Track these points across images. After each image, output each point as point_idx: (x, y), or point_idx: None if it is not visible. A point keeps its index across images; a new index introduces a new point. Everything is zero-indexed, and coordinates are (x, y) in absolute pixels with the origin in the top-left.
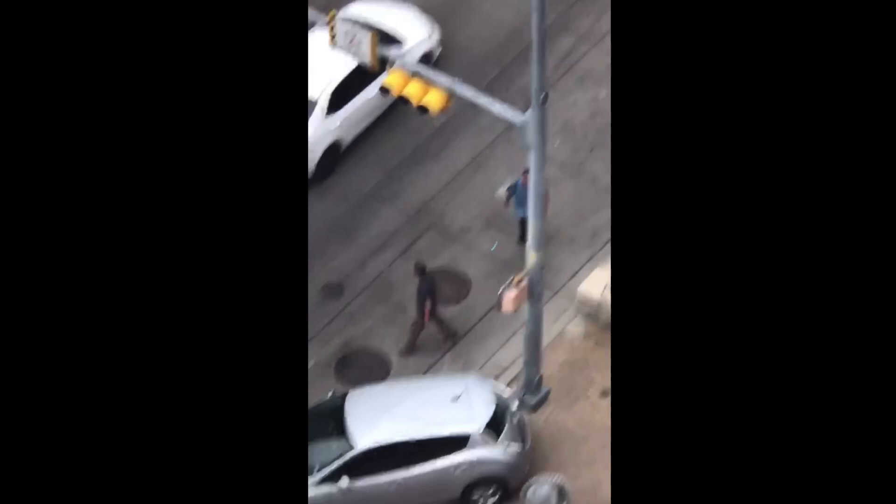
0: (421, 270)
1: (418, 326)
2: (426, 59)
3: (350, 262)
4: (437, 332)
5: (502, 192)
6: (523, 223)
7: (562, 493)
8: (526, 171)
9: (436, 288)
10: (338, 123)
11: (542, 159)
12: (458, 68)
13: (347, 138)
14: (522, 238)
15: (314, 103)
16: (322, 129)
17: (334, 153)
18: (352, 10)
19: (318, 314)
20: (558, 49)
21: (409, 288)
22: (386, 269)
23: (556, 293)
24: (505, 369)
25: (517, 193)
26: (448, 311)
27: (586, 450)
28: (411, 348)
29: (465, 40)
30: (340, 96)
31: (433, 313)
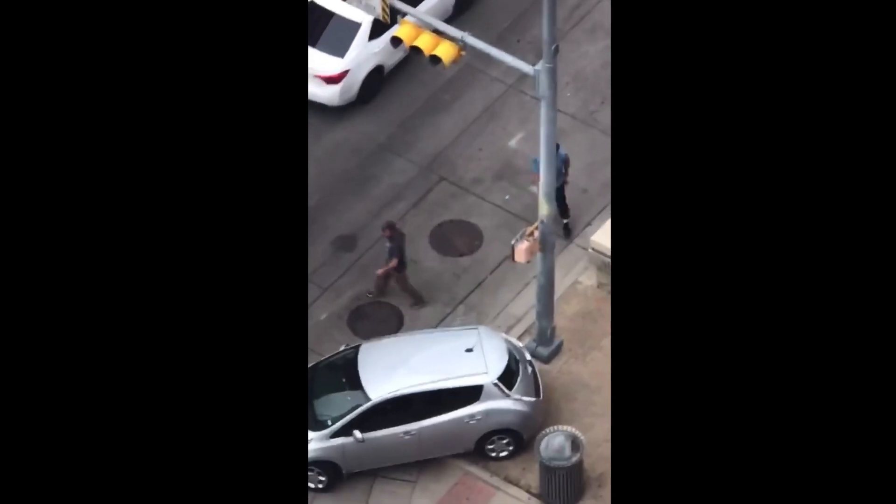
0: (391, 227)
1: (385, 278)
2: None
3: (363, 214)
4: (399, 292)
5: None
6: (560, 192)
7: (575, 443)
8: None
9: (404, 248)
10: (381, 47)
11: (554, 110)
12: (470, 20)
13: (390, 62)
14: (563, 213)
15: (358, 26)
16: (365, 53)
17: (378, 76)
18: None
19: (330, 266)
20: (569, 0)
21: (422, 240)
22: (400, 219)
23: (570, 243)
24: (518, 321)
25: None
26: (460, 263)
27: (600, 400)
28: (382, 292)
29: None
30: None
31: (398, 270)
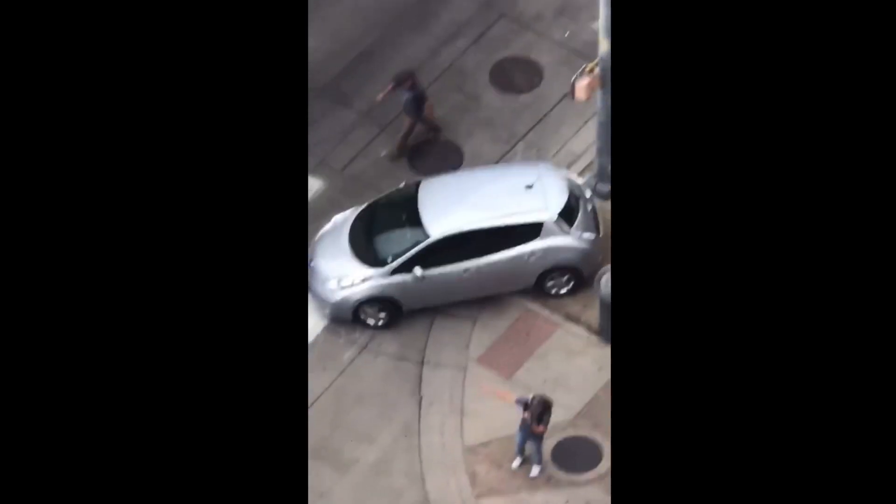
0: (411, 77)
1: (406, 135)
2: None
3: (423, 50)
4: (424, 131)
5: None
6: None
7: None
8: None
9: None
10: None
11: None
12: None
13: None
14: None
15: None
16: None
17: None
18: None
19: (390, 103)
20: None
21: (482, 77)
22: (459, 57)
23: None
24: (578, 157)
25: None
26: (521, 99)
27: None
28: (401, 156)
29: None
30: None
31: (422, 116)
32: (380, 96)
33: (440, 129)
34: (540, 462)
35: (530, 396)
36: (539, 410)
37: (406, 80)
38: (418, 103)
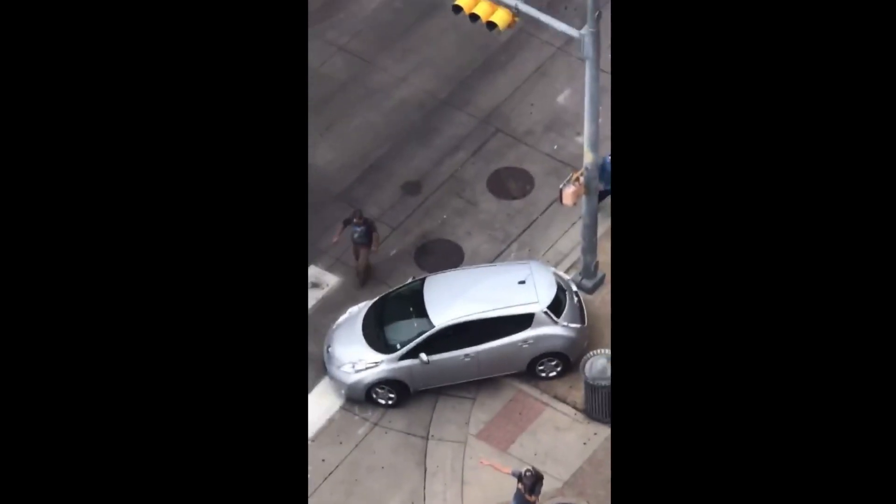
0: (359, 215)
1: (365, 261)
2: None
3: (427, 161)
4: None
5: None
6: (602, 196)
7: None
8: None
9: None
10: None
11: (597, 69)
12: None
13: None
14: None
15: None
16: None
17: None
18: None
19: (398, 208)
20: None
21: (480, 185)
22: (459, 168)
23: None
24: (565, 256)
25: (603, 167)
26: (514, 205)
27: None
28: (368, 278)
29: None
30: None
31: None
32: (335, 238)
33: (368, 273)
34: None
35: (524, 469)
36: (531, 482)
37: (354, 216)
38: (369, 235)
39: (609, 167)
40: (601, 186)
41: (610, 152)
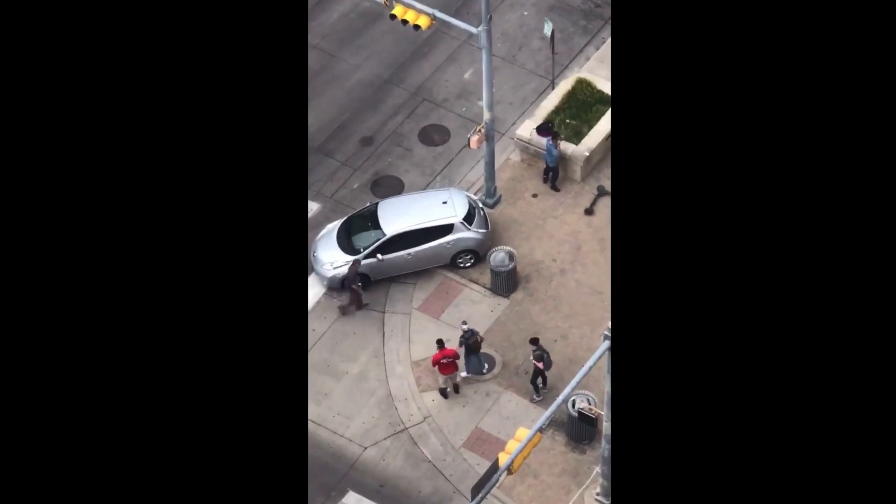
0: (355, 263)
1: (356, 298)
2: None
3: (376, 122)
4: (348, 302)
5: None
6: (547, 170)
7: (511, 256)
8: (553, 136)
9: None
10: None
11: (490, 55)
12: (431, 3)
13: None
14: (550, 183)
15: None
16: None
17: None
18: None
19: (358, 156)
20: None
21: (413, 137)
22: (399, 126)
23: (502, 135)
24: (473, 183)
25: (547, 148)
26: (437, 150)
27: (525, 230)
28: (358, 307)
29: None
30: None
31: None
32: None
33: (357, 303)
34: (466, 370)
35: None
36: (468, 338)
37: (355, 265)
38: (353, 280)
39: (552, 149)
40: (549, 164)
41: (550, 138)
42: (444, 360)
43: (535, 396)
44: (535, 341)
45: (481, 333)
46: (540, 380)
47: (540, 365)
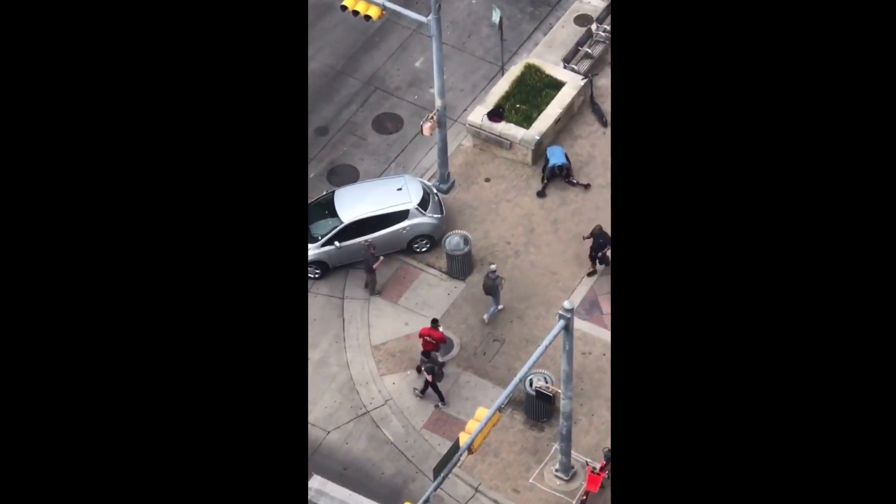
0: (372, 247)
1: (373, 273)
2: None
3: (330, 112)
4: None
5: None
6: (552, 170)
7: (466, 240)
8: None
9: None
10: None
11: (440, 42)
12: None
13: None
14: (565, 180)
15: None
16: None
17: None
18: None
19: (314, 145)
20: None
21: (367, 126)
22: (352, 115)
23: (454, 121)
24: (427, 170)
25: (552, 151)
26: (391, 138)
27: (479, 214)
28: (375, 287)
29: None
30: None
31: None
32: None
33: (374, 284)
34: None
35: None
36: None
37: (369, 247)
38: (373, 260)
39: (551, 154)
40: (551, 163)
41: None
42: (429, 339)
43: (439, 403)
44: (426, 354)
45: (438, 317)
46: (423, 391)
47: (430, 377)
